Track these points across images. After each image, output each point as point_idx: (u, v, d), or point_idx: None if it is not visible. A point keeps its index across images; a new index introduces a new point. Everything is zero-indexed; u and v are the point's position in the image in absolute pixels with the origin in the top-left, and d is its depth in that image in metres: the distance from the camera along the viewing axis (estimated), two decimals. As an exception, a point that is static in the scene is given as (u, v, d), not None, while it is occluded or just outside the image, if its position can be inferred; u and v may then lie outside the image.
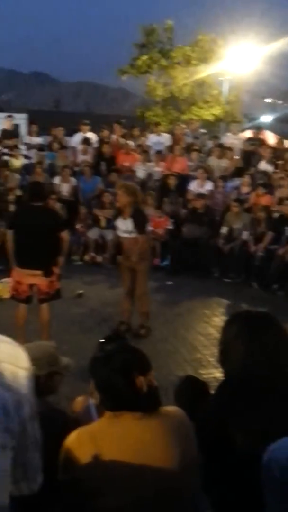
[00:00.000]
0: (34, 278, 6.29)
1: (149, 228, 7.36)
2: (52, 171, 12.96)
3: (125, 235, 7.19)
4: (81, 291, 8.97)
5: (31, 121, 18.22)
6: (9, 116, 15.04)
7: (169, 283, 10.09)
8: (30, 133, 14.72)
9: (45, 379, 2.75)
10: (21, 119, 41.75)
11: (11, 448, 0.93)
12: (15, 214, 6.25)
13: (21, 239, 6.17)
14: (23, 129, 19.46)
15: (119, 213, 7.29)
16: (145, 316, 7.35)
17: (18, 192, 11.86)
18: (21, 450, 0.98)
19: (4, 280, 8.86)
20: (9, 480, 0.93)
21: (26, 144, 14.25)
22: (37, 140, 14.46)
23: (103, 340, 2.66)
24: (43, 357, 2.80)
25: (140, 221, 7.06)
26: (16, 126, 15.76)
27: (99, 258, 11.50)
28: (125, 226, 7.11)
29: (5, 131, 14.42)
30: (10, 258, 6.36)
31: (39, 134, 14.94)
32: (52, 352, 2.90)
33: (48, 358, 2.82)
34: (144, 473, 1.96)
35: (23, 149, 13.80)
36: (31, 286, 6.36)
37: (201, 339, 7.31)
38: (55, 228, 6.35)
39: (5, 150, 13.52)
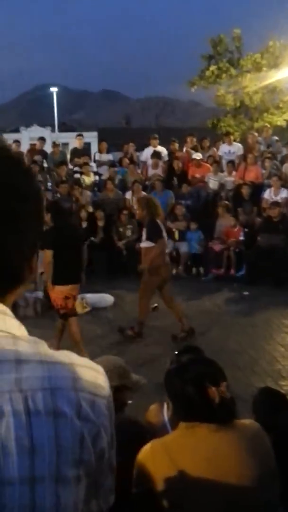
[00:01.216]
0: (72, 292, 6.57)
1: (162, 240, 7.43)
2: (123, 187, 13.14)
3: (143, 244, 7.67)
4: (156, 305, 8.98)
5: (101, 139, 18.58)
6: (80, 135, 15.41)
7: (245, 293, 9.95)
8: (100, 150, 15.01)
9: (114, 392, 2.74)
10: (91, 137, 42.80)
11: (86, 476, 0.91)
12: (51, 234, 6.41)
13: (63, 256, 6.38)
14: (94, 147, 19.88)
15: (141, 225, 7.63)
16: (139, 322, 7.52)
17: (90, 209, 12.11)
18: (96, 475, 0.95)
19: (79, 295, 9.04)
20: (82, 505, 0.92)
21: (96, 161, 14.54)
22: (107, 156, 14.72)
23: (178, 352, 2.64)
24: (113, 369, 2.81)
25: (151, 232, 7.39)
26: (87, 145, 16.12)
27: (173, 271, 11.50)
28: (143, 236, 7.61)
29: (75, 150, 14.81)
30: (48, 278, 6.50)
31: (109, 151, 15.22)
32: (123, 365, 2.90)
33: (118, 370, 2.82)
34: (218, 485, 1.92)
35: (93, 166, 14.09)
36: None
37: (280, 349, 7.13)
38: (83, 242, 6.83)
39: (76, 168, 13.86)
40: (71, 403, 0.89)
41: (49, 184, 13.57)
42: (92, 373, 0.95)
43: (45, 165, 14.41)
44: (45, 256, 6.43)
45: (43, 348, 0.92)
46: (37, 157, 14.29)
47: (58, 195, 12.53)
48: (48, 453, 0.86)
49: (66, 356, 0.94)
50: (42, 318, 8.36)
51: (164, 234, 7.58)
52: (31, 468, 0.84)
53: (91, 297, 8.97)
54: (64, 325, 6.66)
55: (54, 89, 53.41)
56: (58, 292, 6.48)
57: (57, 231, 6.53)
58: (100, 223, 11.86)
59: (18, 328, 0.94)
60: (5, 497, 0.83)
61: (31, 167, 0.96)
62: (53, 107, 52.61)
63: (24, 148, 16.37)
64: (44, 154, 14.75)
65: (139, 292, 7.59)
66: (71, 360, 0.93)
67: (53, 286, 6.46)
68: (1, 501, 0.82)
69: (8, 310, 0.94)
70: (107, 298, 9.26)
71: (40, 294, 8.80)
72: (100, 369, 0.98)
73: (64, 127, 60.27)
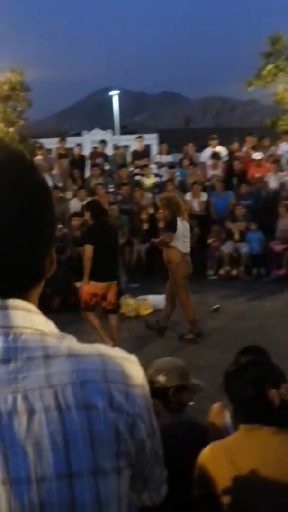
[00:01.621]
0: (106, 289, 6.83)
1: (170, 234, 7.39)
2: (183, 188, 13.13)
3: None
4: (217, 306, 8.94)
5: (161, 141, 18.65)
6: (139, 138, 15.52)
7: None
8: (160, 152, 15.06)
9: (173, 392, 2.76)
10: (152, 139, 42.94)
11: (128, 467, 0.90)
12: (93, 231, 6.73)
13: (101, 254, 6.61)
14: (154, 149, 19.97)
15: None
16: (190, 323, 7.48)
17: (151, 210, 12.16)
18: (140, 466, 0.94)
19: (140, 297, 9.12)
20: (128, 497, 0.92)
21: (156, 163, 14.60)
22: (167, 158, 14.76)
23: (240, 352, 2.64)
24: (173, 369, 2.83)
25: (166, 228, 7.60)
26: (147, 147, 16.20)
27: (234, 272, 11.43)
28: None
29: (136, 152, 14.92)
30: (86, 272, 6.73)
31: (169, 152, 15.25)
32: (183, 366, 2.91)
33: (178, 371, 2.83)
34: (278, 487, 1.91)
35: (153, 168, 14.15)
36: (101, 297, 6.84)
37: None
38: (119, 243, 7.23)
39: (137, 170, 13.96)
40: (102, 395, 0.88)
41: (111, 186, 13.73)
42: (124, 363, 0.93)
43: (107, 167, 14.58)
44: (86, 252, 6.72)
45: (71, 342, 0.92)
46: (98, 160, 14.49)
47: (120, 197, 12.68)
48: (82, 447, 0.85)
49: (95, 348, 0.93)
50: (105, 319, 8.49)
51: (181, 231, 7.38)
52: (67, 463, 0.84)
53: (152, 298, 9.02)
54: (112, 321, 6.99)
55: (114, 92, 53.93)
56: (92, 287, 6.74)
57: (96, 229, 6.74)
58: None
59: (45, 324, 0.94)
60: (43, 494, 0.83)
61: (33, 161, 0.97)
62: (113, 110, 53.16)
63: (87, 151, 16.62)
64: (105, 157, 14.93)
65: (176, 293, 7.53)
66: (99, 352, 0.92)
67: (88, 281, 6.71)
68: (40, 498, 0.82)
69: (33, 307, 0.94)
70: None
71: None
72: (132, 358, 0.96)
73: (125, 130, 60.79)
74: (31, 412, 0.84)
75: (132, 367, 0.94)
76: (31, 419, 0.84)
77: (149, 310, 8.79)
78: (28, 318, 0.91)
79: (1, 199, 0.89)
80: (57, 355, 0.88)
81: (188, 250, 7.54)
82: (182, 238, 7.39)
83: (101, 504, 0.86)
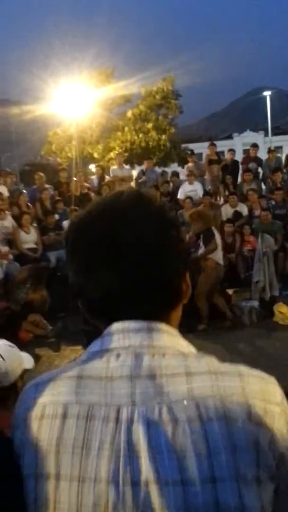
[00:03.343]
0: None
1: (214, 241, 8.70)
2: None
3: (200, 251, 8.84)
4: None
5: None
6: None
7: None
8: None
9: None
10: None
11: (269, 479, 0.95)
12: None
13: None
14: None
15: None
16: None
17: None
18: (283, 481, 0.98)
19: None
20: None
21: None
22: None
23: None
24: None
25: (205, 238, 8.68)
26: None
27: None
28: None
29: (290, 156, 14.70)
30: None
31: None
32: None
33: None
34: None
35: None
36: None
37: None
38: None
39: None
40: (242, 409, 0.95)
41: (264, 190, 13.72)
42: (263, 381, 1.00)
43: (260, 172, 14.58)
44: None
45: (211, 361, 1.00)
46: (251, 165, 14.52)
47: (273, 202, 12.63)
48: (224, 455, 0.92)
49: (235, 367, 1.01)
50: (257, 328, 8.55)
51: (218, 240, 8.75)
52: (210, 469, 0.91)
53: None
54: None
55: (267, 93, 53.47)
56: None
57: None
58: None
59: (186, 347, 1.03)
60: (189, 496, 0.91)
61: (162, 204, 1.11)
62: (266, 111, 52.62)
63: (238, 154, 16.71)
64: (258, 161, 14.91)
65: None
66: (239, 371, 1.00)
67: None
68: (187, 499, 0.91)
69: (175, 331, 1.05)
70: None
71: (255, 303, 8.99)
72: (271, 379, 1.02)
73: (278, 131, 59.75)
74: (175, 422, 0.93)
75: (271, 387, 1.00)
76: (176, 428, 0.93)
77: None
78: (171, 339, 1.03)
79: (139, 234, 1.03)
80: (199, 372, 0.97)
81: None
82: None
83: (245, 511, 0.92)
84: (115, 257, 1.02)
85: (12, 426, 1.06)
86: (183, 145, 25.67)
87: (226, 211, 12.44)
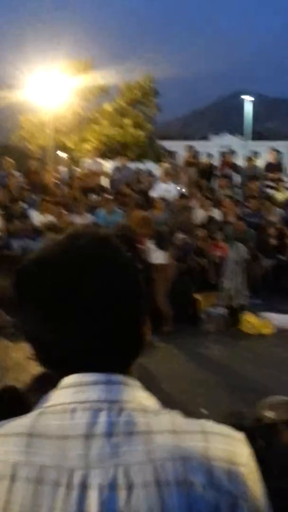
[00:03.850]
0: None
1: None
2: None
3: None
4: None
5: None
6: (275, 150, 15.57)
7: None
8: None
9: (282, 427, 2.84)
10: (284, 146, 42.25)
11: None
12: None
13: None
14: (286, 156, 19.83)
15: None
16: None
17: (279, 226, 12.18)
18: None
19: (263, 315, 9.20)
20: None
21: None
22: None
23: None
24: (281, 403, 2.95)
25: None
26: (280, 156, 16.13)
27: None
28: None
29: (269, 165, 14.95)
30: None
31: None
32: None
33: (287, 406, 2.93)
34: None
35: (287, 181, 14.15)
36: None
37: None
38: None
39: (269, 183, 14.02)
40: (203, 473, 0.90)
41: (238, 198, 13.92)
42: (227, 440, 0.95)
43: (236, 178, 14.78)
44: None
45: (173, 418, 0.97)
46: (228, 171, 14.71)
47: (248, 210, 12.82)
48: None
49: (199, 424, 0.97)
50: (223, 335, 8.69)
51: None
52: None
53: (277, 317, 9.07)
54: None
55: (247, 98, 53.95)
56: None
57: None
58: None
59: (146, 399, 0.99)
60: None
61: (118, 243, 1.08)
62: (245, 115, 53.09)
63: (214, 155, 16.84)
64: (235, 168, 15.11)
65: None
66: (203, 428, 0.96)
67: None
68: None
69: (135, 382, 1.01)
70: (294, 320, 9.13)
71: (223, 310, 9.14)
72: (238, 435, 0.98)
73: (256, 136, 60.34)
74: (130, 486, 0.88)
75: (237, 445, 0.96)
76: (131, 493, 0.88)
77: (272, 330, 8.82)
78: (131, 393, 0.98)
79: (104, 280, 1.00)
80: (159, 431, 0.93)
81: None
82: None
83: None
84: (79, 305, 0.99)
85: None
86: (160, 143, 25.83)
87: (199, 215, 12.58)
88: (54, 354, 1.01)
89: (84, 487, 0.89)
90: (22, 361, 7.43)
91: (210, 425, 0.97)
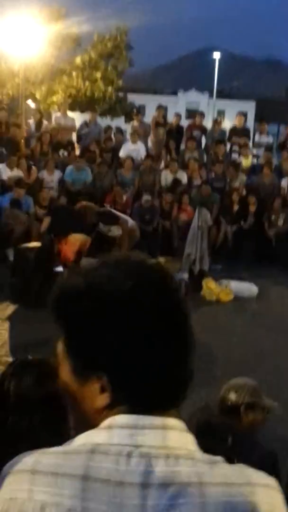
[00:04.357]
0: None
1: None
2: (279, 172, 12.95)
3: None
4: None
5: (260, 118, 18.32)
6: (241, 114, 15.37)
7: None
8: (260, 131, 14.85)
9: (244, 409, 2.91)
10: (249, 107, 42.09)
11: None
12: None
13: None
14: (250, 117, 19.67)
15: None
16: None
17: (243, 192, 12.12)
18: None
19: (223, 282, 9.21)
20: None
21: (254, 143, 14.45)
22: (267, 139, 14.56)
23: None
24: (245, 386, 2.97)
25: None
26: (246, 127, 15.91)
27: None
28: None
29: (235, 129, 14.74)
30: None
31: (268, 123, 14.99)
32: (255, 386, 3.03)
33: (250, 388, 2.96)
34: None
35: (251, 148, 14.02)
36: None
37: None
38: None
39: (235, 148, 13.87)
40: None
41: (204, 161, 13.76)
42: (270, 493, 0.95)
43: (203, 141, 14.58)
44: None
45: (222, 468, 0.94)
46: (196, 133, 14.47)
47: (213, 174, 12.71)
48: None
49: (245, 476, 0.95)
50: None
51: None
52: None
53: (235, 285, 9.10)
54: None
55: (216, 54, 53.09)
56: None
57: None
58: (252, 208, 11.84)
59: (192, 444, 0.97)
60: None
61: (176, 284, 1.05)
62: (213, 72, 52.35)
63: (181, 111, 16.41)
64: (203, 130, 14.87)
65: None
66: (249, 480, 0.94)
67: None
68: None
69: (183, 426, 0.98)
70: (251, 288, 9.16)
71: (185, 275, 9.11)
72: (274, 484, 0.98)
73: (222, 94, 59.74)
74: None
75: (275, 496, 0.96)
76: None
77: (231, 297, 8.85)
78: (181, 438, 0.95)
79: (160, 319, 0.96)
80: (211, 483, 0.91)
81: None
82: None
83: None
84: (170, 335, 0.96)
85: None
86: (128, 97, 25.27)
87: (166, 177, 12.43)
88: (128, 381, 0.95)
89: None
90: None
91: (255, 476, 0.95)
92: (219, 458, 0.96)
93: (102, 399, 0.96)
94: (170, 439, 0.93)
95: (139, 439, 0.92)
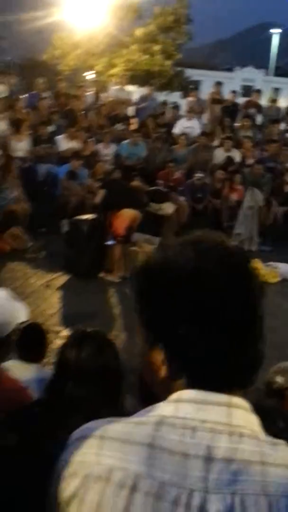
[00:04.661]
0: None
1: None
2: None
3: None
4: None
5: None
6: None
7: None
8: None
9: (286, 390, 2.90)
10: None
11: None
12: None
13: None
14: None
15: None
16: None
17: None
18: None
19: (270, 264, 9.10)
20: None
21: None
22: None
23: None
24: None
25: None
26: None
27: None
28: None
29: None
30: None
31: None
32: None
33: None
34: None
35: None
36: None
37: None
38: None
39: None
40: None
41: (258, 140, 13.50)
42: None
43: (259, 120, 14.29)
44: None
45: (283, 451, 0.93)
46: (251, 111, 14.20)
47: (265, 153, 12.46)
48: None
49: None
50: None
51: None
52: None
53: (283, 266, 8.96)
54: None
55: (275, 31, 51.56)
56: None
57: None
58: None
59: (257, 424, 0.97)
60: None
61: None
62: (270, 49, 50.92)
63: (236, 88, 16.09)
64: (259, 108, 14.55)
65: None
66: None
67: None
68: None
69: (249, 406, 0.98)
70: (300, 270, 8.94)
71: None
72: None
73: (279, 72, 58.21)
74: None
75: None
76: None
77: (277, 279, 8.74)
78: (246, 417, 0.95)
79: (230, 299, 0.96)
80: (274, 464, 0.90)
81: None
82: None
83: None
84: (240, 321, 0.96)
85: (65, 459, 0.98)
86: (185, 72, 24.93)
87: (219, 154, 12.25)
88: (190, 354, 0.96)
89: (202, 510, 0.86)
90: (40, 288, 7.53)
91: None
92: (281, 441, 0.96)
93: (163, 371, 0.99)
94: (235, 417, 0.94)
95: (204, 414, 0.93)
